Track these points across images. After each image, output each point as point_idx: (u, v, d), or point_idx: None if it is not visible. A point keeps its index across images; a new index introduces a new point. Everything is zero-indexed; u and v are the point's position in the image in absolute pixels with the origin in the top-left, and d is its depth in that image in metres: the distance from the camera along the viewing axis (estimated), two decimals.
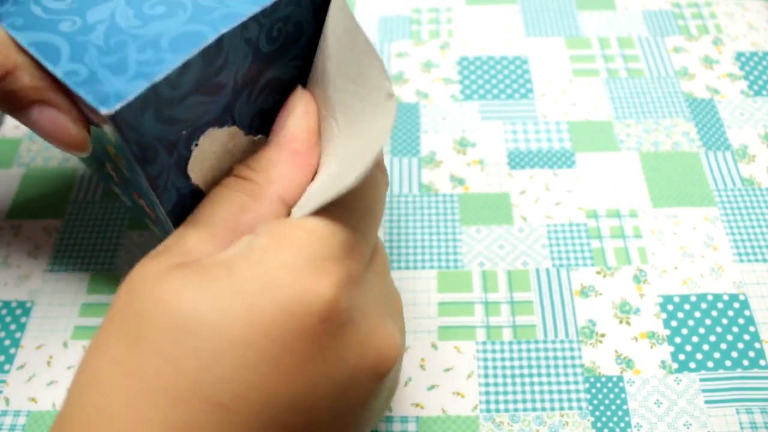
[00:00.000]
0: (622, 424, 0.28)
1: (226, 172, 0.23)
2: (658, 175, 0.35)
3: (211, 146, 0.22)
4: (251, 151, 0.23)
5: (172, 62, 0.19)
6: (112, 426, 0.16)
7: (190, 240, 0.20)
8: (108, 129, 0.19)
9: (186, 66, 0.19)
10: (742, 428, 0.27)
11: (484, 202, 0.34)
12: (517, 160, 0.36)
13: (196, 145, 0.21)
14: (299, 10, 0.22)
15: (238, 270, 0.18)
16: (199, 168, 0.22)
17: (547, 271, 0.32)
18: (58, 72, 0.20)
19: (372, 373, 0.19)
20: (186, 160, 0.21)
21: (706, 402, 0.28)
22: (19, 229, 0.34)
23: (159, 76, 0.19)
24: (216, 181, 0.23)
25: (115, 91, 0.19)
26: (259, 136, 0.24)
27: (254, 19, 0.21)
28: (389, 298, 0.22)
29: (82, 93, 0.19)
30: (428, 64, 0.41)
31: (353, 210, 0.20)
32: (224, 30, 0.20)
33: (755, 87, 0.39)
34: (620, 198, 0.34)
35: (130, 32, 0.20)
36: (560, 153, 0.36)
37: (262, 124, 0.24)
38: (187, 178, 0.22)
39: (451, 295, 0.31)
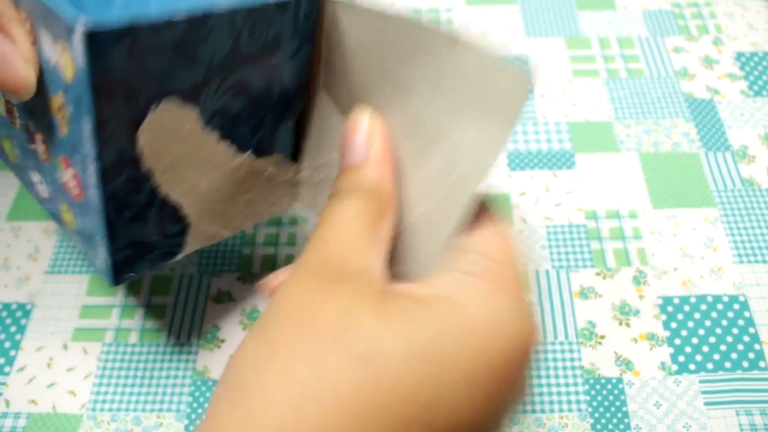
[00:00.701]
0: (621, 426, 0.28)
1: (176, 158, 0.23)
2: (658, 175, 0.35)
3: (168, 118, 0.22)
4: (224, 162, 0.24)
5: (158, 15, 0.20)
6: None
7: (364, 258, 0.20)
8: (72, 57, 0.19)
9: (170, 22, 0.20)
10: (741, 430, 0.27)
11: None
12: (517, 161, 0.36)
13: (156, 107, 0.21)
14: (282, 21, 0.23)
15: (468, 309, 0.19)
16: (148, 136, 0.22)
17: (547, 272, 0.32)
18: None
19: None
20: (140, 120, 0.21)
21: (706, 404, 0.28)
22: (19, 231, 0.34)
23: (143, 20, 0.19)
24: (160, 160, 0.23)
25: (95, 18, 0.19)
26: (245, 156, 0.24)
27: (242, 13, 0.21)
28: None
29: (58, 9, 0.19)
30: None
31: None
32: (215, 9, 0.21)
33: (755, 87, 0.39)
34: (620, 199, 0.34)
35: None
36: (560, 154, 0.36)
37: (222, 126, 0.24)
38: (134, 140, 0.22)
39: None
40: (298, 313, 0.19)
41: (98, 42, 0.19)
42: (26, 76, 0.21)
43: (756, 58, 0.40)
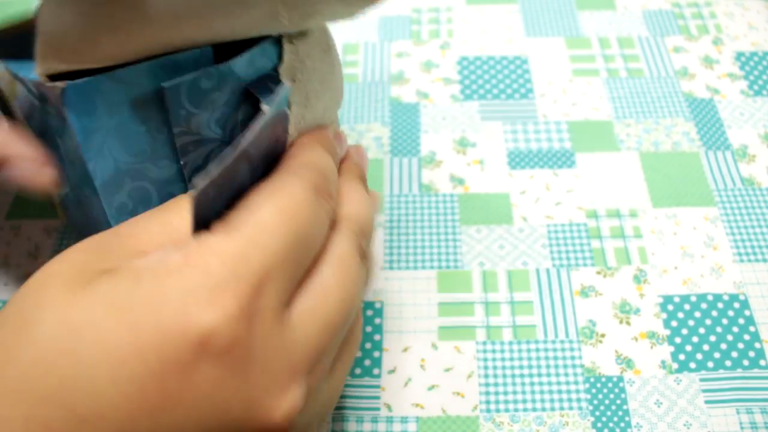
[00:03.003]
0: (622, 424, 0.28)
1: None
2: (658, 175, 0.35)
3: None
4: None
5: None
6: None
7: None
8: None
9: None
10: (742, 428, 0.27)
11: (484, 202, 0.34)
12: (517, 160, 0.36)
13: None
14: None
15: (143, 283, 0.17)
16: None
17: (547, 271, 0.32)
18: None
19: None
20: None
21: (706, 402, 0.28)
22: (19, 229, 0.34)
23: None
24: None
25: None
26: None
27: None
28: (331, 379, 0.20)
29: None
30: (428, 64, 0.41)
31: (280, 237, 0.18)
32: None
33: (755, 87, 0.39)
34: (620, 198, 0.34)
35: None
36: (560, 153, 0.36)
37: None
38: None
39: (451, 295, 0.31)
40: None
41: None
42: (52, 176, 0.23)
43: (756, 58, 0.40)
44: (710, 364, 0.29)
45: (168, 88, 0.20)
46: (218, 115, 0.22)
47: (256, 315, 0.17)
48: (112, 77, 0.20)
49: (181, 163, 0.22)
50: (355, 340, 0.22)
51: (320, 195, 0.20)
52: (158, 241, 0.19)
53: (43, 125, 0.22)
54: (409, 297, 0.31)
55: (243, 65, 0.21)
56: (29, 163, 0.22)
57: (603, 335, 0.30)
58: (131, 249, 0.18)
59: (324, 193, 0.20)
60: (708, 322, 0.30)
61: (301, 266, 0.19)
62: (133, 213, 0.22)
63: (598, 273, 0.32)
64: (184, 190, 0.23)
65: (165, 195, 0.22)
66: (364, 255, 0.21)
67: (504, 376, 0.29)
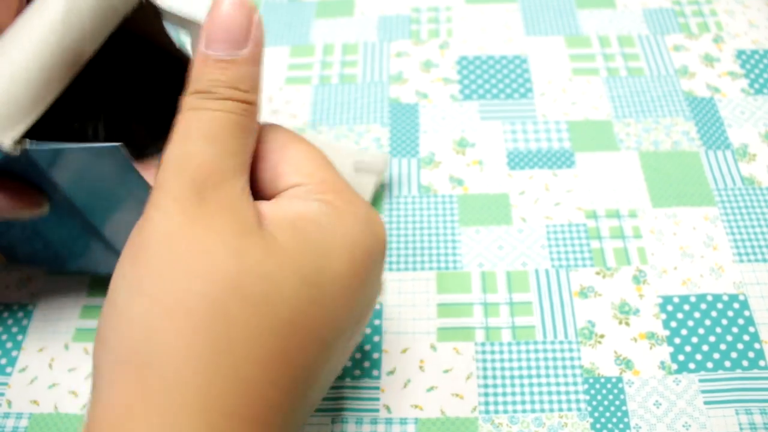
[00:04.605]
0: (621, 425, 0.28)
1: None
2: (658, 174, 0.35)
3: None
4: None
5: None
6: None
7: (238, 183, 0.19)
8: None
9: None
10: (741, 429, 0.27)
11: (483, 203, 0.34)
12: (517, 161, 0.36)
13: None
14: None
15: (330, 228, 0.20)
16: None
17: (547, 271, 0.32)
18: None
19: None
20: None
21: (706, 403, 0.28)
22: None
23: None
24: None
25: None
26: None
27: None
28: None
29: None
30: (427, 64, 0.41)
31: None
32: None
33: (756, 85, 0.38)
34: (620, 198, 0.34)
35: None
36: (560, 153, 0.36)
37: None
38: None
39: (450, 296, 0.31)
40: (182, 257, 0.17)
41: None
42: (36, 200, 0.25)
43: (756, 56, 0.40)
44: (709, 365, 0.29)
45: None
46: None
47: None
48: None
49: None
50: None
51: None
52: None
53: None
54: (408, 298, 0.31)
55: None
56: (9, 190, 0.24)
57: (602, 336, 0.30)
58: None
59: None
60: (707, 322, 0.30)
61: None
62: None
63: (598, 273, 0.32)
64: None
65: None
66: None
67: (503, 377, 0.29)
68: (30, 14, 0.22)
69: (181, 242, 0.17)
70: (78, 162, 0.23)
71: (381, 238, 0.22)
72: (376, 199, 0.35)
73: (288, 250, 0.19)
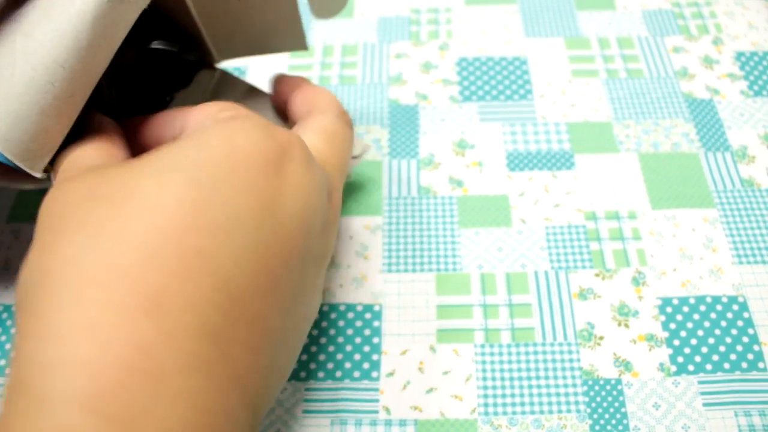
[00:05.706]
0: (620, 427, 0.28)
1: None
2: (658, 176, 0.35)
3: None
4: None
5: None
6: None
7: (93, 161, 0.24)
8: None
9: None
10: (740, 431, 0.27)
11: (482, 204, 0.34)
12: (516, 162, 0.36)
13: None
14: None
15: (207, 132, 0.21)
16: None
17: (546, 273, 0.32)
18: None
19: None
20: None
21: (705, 405, 0.28)
22: (19, 233, 0.34)
23: None
24: None
25: None
26: None
27: None
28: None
29: None
30: (427, 65, 0.41)
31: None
32: None
33: (755, 87, 0.38)
34: (619, 199, 0.34)
35: None
36: (559, 154, 0.36)
37: None
38: None
39: (450, 297, 0.31)
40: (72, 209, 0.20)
41: None
42: None
43: (756, 58, 0.40)
44: (709, 367, 0.29)
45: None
46: None
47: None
48: None
49: None
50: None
51: None
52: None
53: None
54: (407, 300, 0.31)
55: None
56: None
57: (601, 338, 0.30)
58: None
59: None
60: (707, 324, 0.30)
61: None
62: None
63: (597, 275, 0.32)
64: None
65: None
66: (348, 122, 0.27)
67: (502, 379, 0.29)
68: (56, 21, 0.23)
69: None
70: None
71: (280, 139, 0.21)
72: (376, 201, 0.35)
73: (157, 162, 0.20)
